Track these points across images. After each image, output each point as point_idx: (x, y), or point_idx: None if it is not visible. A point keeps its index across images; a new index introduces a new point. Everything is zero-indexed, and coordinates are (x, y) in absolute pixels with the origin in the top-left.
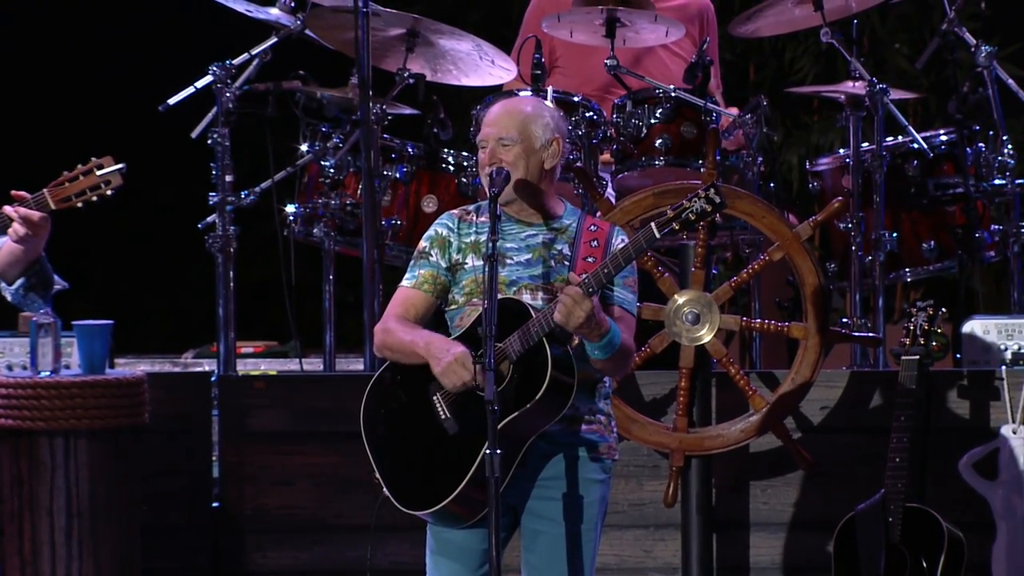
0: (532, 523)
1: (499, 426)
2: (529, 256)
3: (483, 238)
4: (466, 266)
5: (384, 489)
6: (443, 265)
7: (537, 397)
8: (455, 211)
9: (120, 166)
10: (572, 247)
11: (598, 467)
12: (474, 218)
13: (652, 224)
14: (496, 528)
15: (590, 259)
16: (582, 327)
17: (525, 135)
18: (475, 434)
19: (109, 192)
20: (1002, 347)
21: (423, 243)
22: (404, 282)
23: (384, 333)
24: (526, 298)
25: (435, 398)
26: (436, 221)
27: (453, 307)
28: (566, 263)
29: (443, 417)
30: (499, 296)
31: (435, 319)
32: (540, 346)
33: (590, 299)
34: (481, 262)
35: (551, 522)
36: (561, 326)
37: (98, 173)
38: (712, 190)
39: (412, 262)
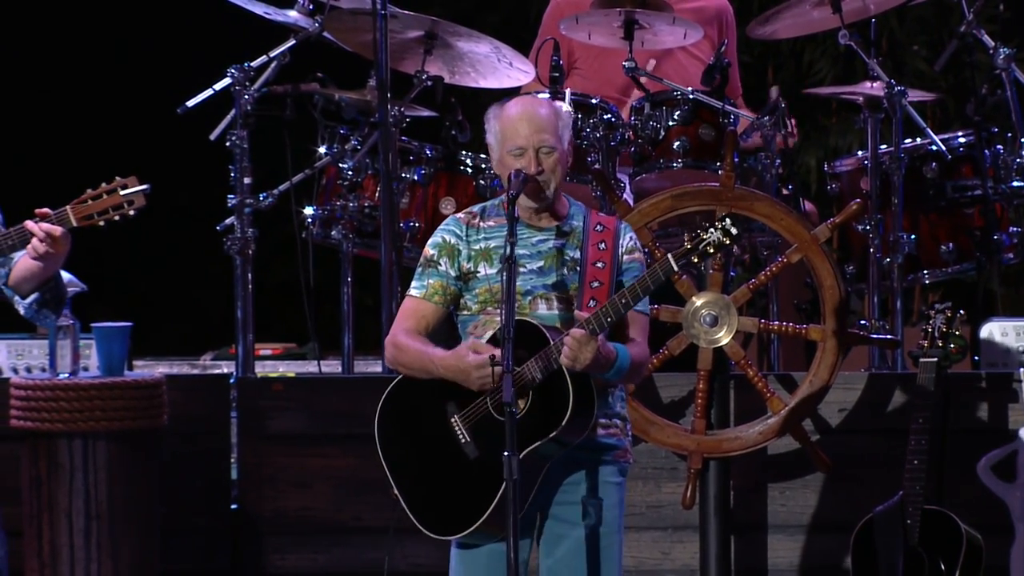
0: (554, 528)
1: (522, 455)
2: (541, 264)
3: (492, 244)
4: (478, 275)
5: (402, 504)
6: (452, 274)
7: (560, 427)
8: (460, 215)
9: (144, 187)
10: (581, 251)
11: (616, 470)
12: (480, 222)
13: (669, 256)
14: (515, 531)
15: (599, 264)
16: (590, 366)
17: (558, 139)
18: (496, 456)
19: (132, 212)
20: (1020, 349)
21: (430, 251)
22: (412, 291)
23: (396, 350)
24: (541, 308)
25: (453, 421)
26: (441, 227)
27: (466, 313)
28: (578, 268)
29: (463, 441)
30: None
31: (447, 323)
32: (559, 372)
33: (595, 339)
34: (493, 270)
35: (573, 526)
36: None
37: (122, 193)
38: (728, 220)
39: (419, 270)
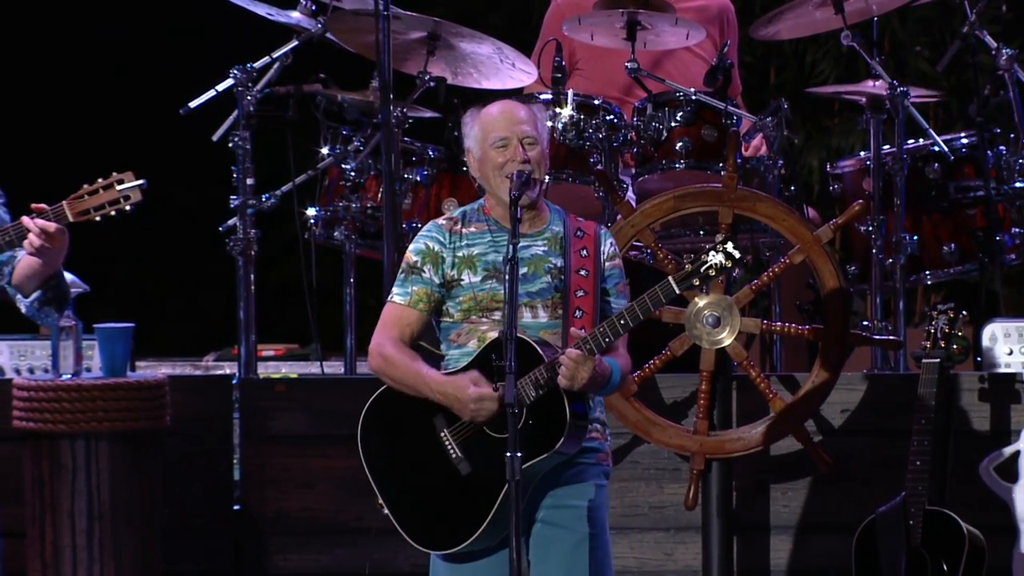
0: (544, 533)
1: (523, 467)
2: (525, 270)
3: (475, 251)
4: (462, 282)
5: (389, 515)
6: (436, 282)
7: (560, 442)
8: (440, 222)
9: (140, 182)
10: (564, 258)
11: (600, 472)
12: (461, 228)
13: (670, 279)
14: (517, 532)
15: (583, 272)
16: (587, 385)
17: (539, 134)
18: (489, 472)
19: (128, 207)
20: (1022, 350)
21: (413, 257)
22: (396, 298)
23: (385, 362)
24: (526, 316)
25: (443, 435)
26: (423, 233)
27: (447, 320)
28: (562, 277)
29: (454, 456)
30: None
31: (429, 328)
32: (555, 389)
33: (592, 359)
34: (477, 278)
35: (563, 530)
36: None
37: (118, 188)
38: (730, 243)
39: (402, 276)
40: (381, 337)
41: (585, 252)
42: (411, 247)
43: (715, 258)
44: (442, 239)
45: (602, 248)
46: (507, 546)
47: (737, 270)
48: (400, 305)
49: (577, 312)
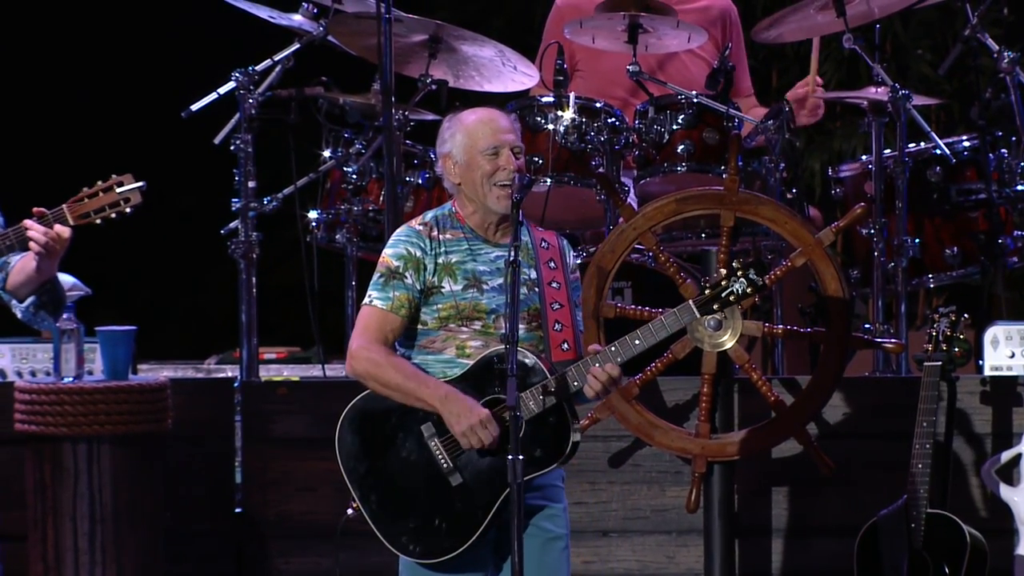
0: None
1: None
2: (501, 280)
3: (454, 259)
4: (443, 290)
5: (366, 518)
6: (418, 288)
7: (564, 455)
8: (417, 227)
9: (140, 184)
10: (536, 269)
11: (559, 475)
12: (438, 235)
13: (691, 302)
14: (520, 538)
15: (554, 284)
16: (607, 395)
17: (521, 144)
18: (483, 483)
19: (128, 210)
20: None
21: (394, 262)
22: (377, 303)
23: (375, 365)
24: (504, 328)
25: (433, 444)
26: (401, 238)
27: (420, 327)
28: (536, 288)
29: (446, 467)
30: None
31: None
32: (558, 406)
33: (620, 373)
34: (458, 287)
35: (534, 528)
36: (591, 398)
37: (118, 190)
38: (752, 271)
39: (381, 280)
40: (364, 340)
41: (553, 264)
42: (389, 251)
43: (737, 285)
44: (423, 245)
45: (567, 258)
46: (483, 552)
47: (757, 297)
48: (382, 310)
49: (556, 325)
